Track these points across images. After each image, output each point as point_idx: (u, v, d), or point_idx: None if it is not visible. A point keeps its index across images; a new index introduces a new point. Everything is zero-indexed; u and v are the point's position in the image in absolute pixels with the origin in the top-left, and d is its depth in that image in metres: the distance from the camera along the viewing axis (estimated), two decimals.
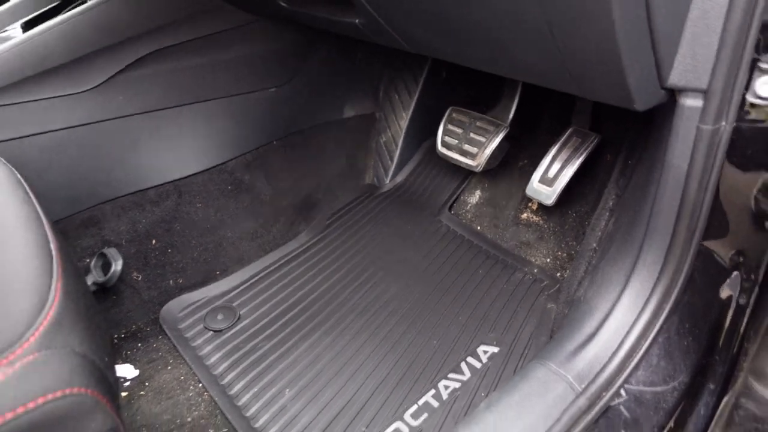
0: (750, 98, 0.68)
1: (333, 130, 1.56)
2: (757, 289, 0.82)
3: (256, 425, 1.00)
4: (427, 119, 1.60)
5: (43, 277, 0.60)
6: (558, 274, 1.25)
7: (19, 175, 0.79)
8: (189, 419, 1.04)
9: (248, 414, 1.02)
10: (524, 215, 1.37)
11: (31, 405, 0.50)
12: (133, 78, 1.20)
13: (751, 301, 0.83)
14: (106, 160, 1.20)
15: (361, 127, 1.61)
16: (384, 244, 1.41)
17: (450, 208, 1.50)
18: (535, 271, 1.26)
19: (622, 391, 0.81)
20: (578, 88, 0.76)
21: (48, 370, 0.53)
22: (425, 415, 0.98)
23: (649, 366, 0.84)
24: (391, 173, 1.62)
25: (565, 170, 1.20)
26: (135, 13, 1.17)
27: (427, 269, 1.31)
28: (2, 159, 0.83)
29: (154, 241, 1.29)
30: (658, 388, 0.82)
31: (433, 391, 1.02)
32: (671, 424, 0.82)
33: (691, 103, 0.70)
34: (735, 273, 0.81)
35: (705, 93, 0.68)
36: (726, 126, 0.69)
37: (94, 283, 1.15)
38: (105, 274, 1.15)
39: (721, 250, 0.81)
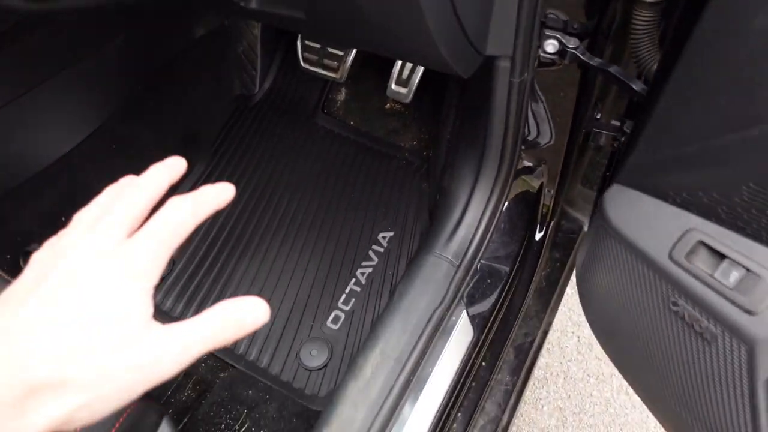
0: (541, 53, 0.93)
1: (190, 54, 1.57)
2: (560, 167, 1.18)
3: (228, 345, 1.29)
4: None
5: None
6: (424, 153, 1.54)
7: None
8: None
9: None
10: (388, 105, 1.59)
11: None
12: None
13: (558, 173, 1.19)
14: None
15: (216, 43, 1.63)
16: (274, 156, 1.59)
17: (323, 108, 1.67)
18: (407, 154, 1.54)
19: (484, 255, 1.18)
20: (406, 59, 0.96)
21: None
22: (353, 300, 1.32)
23: (498, 231, 1.21)
24: (258, 81, 1.70)
25: (416, 70, 1.40)
26: None
27: (319, 175, 1.53)
28: None
29: (63, 218, 1.37)
30: (506, 248, 1.20)
31: (354, 280, 1.35)
32: (516, 264, 1.22)
33: (503, 64, 0.93)
34: (540, 168, 1.15)
35: (511, 58, 0.91)
36: (528, 76, 0.95)
37: None
38: None
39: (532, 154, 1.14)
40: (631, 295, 0.79)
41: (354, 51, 1.45)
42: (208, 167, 1.57)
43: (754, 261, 0.63)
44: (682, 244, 0.69)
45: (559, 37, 0.89)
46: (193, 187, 1.56)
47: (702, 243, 0.67)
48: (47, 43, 1.23)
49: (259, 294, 1.39)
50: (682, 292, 0.69)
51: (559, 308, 1.40)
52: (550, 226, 1.31)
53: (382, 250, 1.39)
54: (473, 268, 1.16)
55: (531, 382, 1.44)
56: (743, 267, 0.63)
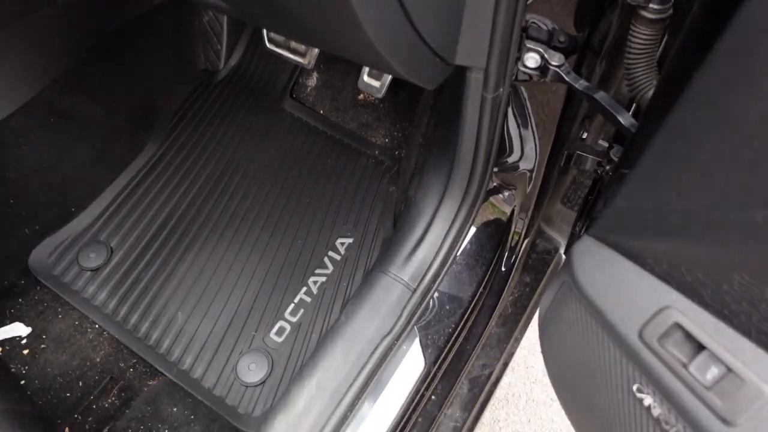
0: (520, 67, 0.80)
1: (147, 21, 1.42)
2: (538, 188, 1.06)
3: (161, 351, 1.18)
4: None
5: None
6: (396, 153, 1.41)
7: None
8: (97, 359, 1.19)
9: (151, 342, 1.19)
10: (361, 96, 1.45)
11: None
12: None
13: (534, 194, 1.07)
14: None
15: (178, 11, 1.47)
16: (234, 142, 1.45)
17: (291, 93, 1.53)
18: (377, 152, 1.41)
19: (446, 278, 1.07)
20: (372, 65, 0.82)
21: None
22: (301, 311, 1.21)
23: (463, 253, 1.09)
24: (223, 56, 1.55)
25: None
26: None
27: (281, 167, 1.40)
28: None
29: None
30: (470, 270, 1.09)
31: (305, 288, 1.23)
32: (480, 289, 1.11)
33: (475, 76, 0.80)
34: (510, 192, 1.03)
35: (485, 70, 0.78)
36: (503, 91, 0.82)
37: None
38: None
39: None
40: (592, 364, 0.68)
41: None
42: (160, 148, 1.44)
43: (739, 359, 0.52)
44: (655, 323, 0.57)
45: (542, 51, 0.76)
46: (142, 169, 1.43)
47: (679, 326, 0.56)
48: None
49: (201, 295, 1.28)
50: (650, 380, 0.58)
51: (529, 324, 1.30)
52: (522, 247, 1.20)
53: (338, 257, 1.27)
54: (431, 293, 1.05)
55: (490, 402, 1.35)
56: (724, 364, 0.53)
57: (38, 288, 1.26)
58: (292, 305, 1.22)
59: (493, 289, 1.16)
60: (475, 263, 1.10)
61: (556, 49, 0.77)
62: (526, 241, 1.23)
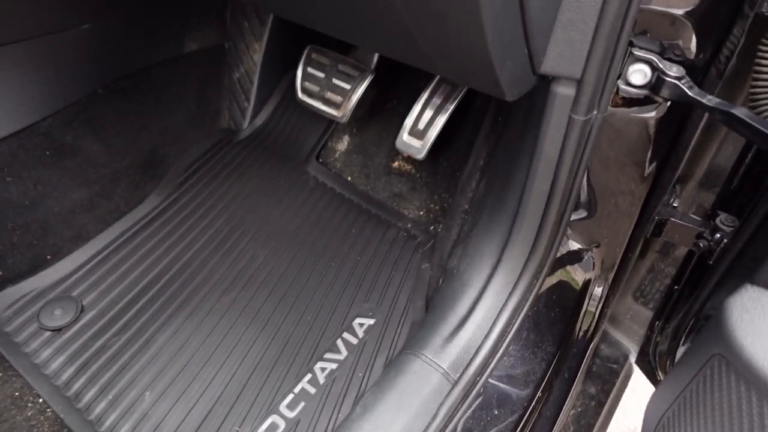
0: (621, 85, 0.63)
1: (173, 68, 1.32)
2: (618, 262, 0.85)
3: None
4: (285, 50, 1.42)
5: None
6: (432, 228, 1.22)
7: None
8: None
9: (102, 429, 0.91)
10: (395, 163, 1.30)
11: None
12: None
13: (612, 275, 0.86)
14: None
15: (209, 62, 1.39)
16: (247, 202, 1.28)
17: (318, 156, 1.38)
18: (409, 225, 1.22)
19: (494, 372, 0.82)
20: (443, 74, 0.66)
21: None
22: (302, 404, 0.94)
23: (519, 341, 0.85)
24: (249, 115, 1.44)
25: (436, 121, 1.12)
26: None
27: (297, 231, 1.21)
28: None
29: None
30: (527, 365, 0.84)
31: (309, 376, 0.98)
32: (539, 393, 0.85)
33: (563, 90, 0.63)
34: (600, 248, 0.82)
35: (578, 81, 0.61)
36: (597, 115, 0.64)
37: None
38: None
39: (588, 228, 0.81)
40: None
41: (362, 86, 1.18)
42: (164, 202, 1.26)
43: None
44: None
45: (654, 60, 0.60)
46: (139, 222, 1.24)
47: None
48: None
49: (179, 373, 1.02)
50: None
51: None
52: (590, 347, 0.95)
53: (355, 341, 1.03)
54: (476, 389, 0.79)
55: None
56: None
57: None
58: (291, 396, 0.95)
59: (553, 396, 0.90)
60: (532, 356, 0.86)
61: (672, 61, 0.61)
62: (592, 341, 0.99)
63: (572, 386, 0.90)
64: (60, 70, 1.12)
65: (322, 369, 0.99)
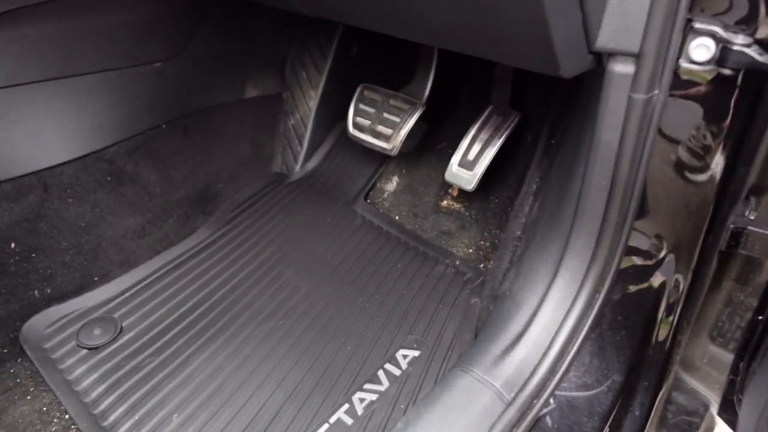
0: (683, 63, 0.61)
1: (233, 111, 1.39)
2: (690, 274, 0.77)
3: None
4: (339, 99, 1.47)
5: None
6: (482, 266, 1.17)
7: None
8: None
9: None
10: (444, 202, 1.28)
11: None
12: None
13: (685, 287, 0.77)
14: None
15: (266, 109, 1.45)
16: (293, 237, 1.27)
17: (366, 197, 1.38)
18: (458, 263, 1.17)
19: (554, 398, 0.73)
20: (497, 52, 0.66)
21: None
22: None
23: (581, 366, 0.76)
24: (301, 159, 1.47)
25: (486, 152, 1.11)
26: None
27: (341, 265, 1.18)
28: None
29: (12, 245, 1.08)
30: (592, 391, 0.74)
31: (346, 406, 0.90)
32: (606, 429, 0.74)
33: (621, 69, 0.61)
34: (669, 257, 0.74)
35: (637, 57, 0.59)
36: (659, 95, 0.61)
37: None
38: None
39: (654, 233, 0.75)
40: None
41: (413, 119, 1.19)
42: (213, 235, 1.27)
43: None
44: None
45: (718, 31, 0.57)
46: (188, 251, 1.25)
47: None
48: (62, 39, 1.07)
49: (210, 397, 0.96)
50: None
51: None
52: (664, 387, 0.84)
53: (398, 372, 0.95)
54: (534, 412, 0.70)
55: None
56: None
57: (18, 360, 1.01)
58: (326, 426, 0.88)
59: None
60: (596, 384, 0.76)
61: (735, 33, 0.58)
62: (666, 382, 0.87)
63: (645, 426, 0.79)
64: (129, 103, 1.20)
65: (361, 399, 0.91)
